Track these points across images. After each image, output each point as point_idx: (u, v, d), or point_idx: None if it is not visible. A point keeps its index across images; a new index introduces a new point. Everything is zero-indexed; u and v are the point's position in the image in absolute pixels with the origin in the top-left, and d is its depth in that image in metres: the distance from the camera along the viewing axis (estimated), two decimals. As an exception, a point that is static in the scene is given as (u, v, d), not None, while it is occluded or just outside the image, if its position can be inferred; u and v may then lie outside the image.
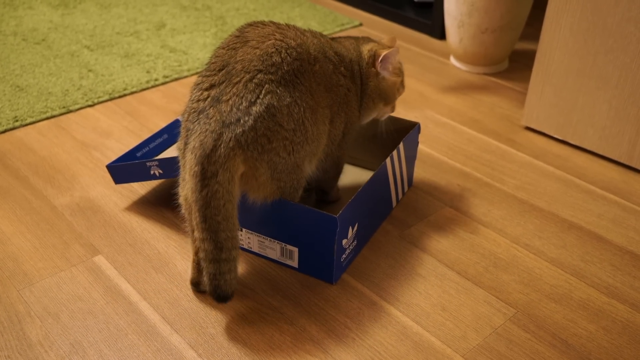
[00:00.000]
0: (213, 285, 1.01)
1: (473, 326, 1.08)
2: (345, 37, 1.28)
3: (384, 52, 1.22)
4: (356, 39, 1.28)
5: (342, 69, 1.18)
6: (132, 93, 1.76)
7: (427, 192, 1.41)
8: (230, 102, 1.01)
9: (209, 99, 1.03)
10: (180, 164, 1.07)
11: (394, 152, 1.25)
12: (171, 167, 1.22)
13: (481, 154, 1.55)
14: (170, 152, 1.40)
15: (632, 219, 1.34)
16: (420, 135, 1.59)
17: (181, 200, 1.08)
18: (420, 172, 1.47)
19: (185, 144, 1.03)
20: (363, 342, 1.04)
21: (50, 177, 1.41)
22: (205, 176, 0.98)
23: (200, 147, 0.99)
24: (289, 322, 1.07)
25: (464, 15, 1.84)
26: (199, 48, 2.01)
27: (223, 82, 1.03)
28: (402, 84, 1.29)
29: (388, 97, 1.26)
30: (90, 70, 1.85)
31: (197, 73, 1.87)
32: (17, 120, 1.59)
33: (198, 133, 1.00)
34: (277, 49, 1.06)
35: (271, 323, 1.07)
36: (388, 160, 1.24)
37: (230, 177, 0.99)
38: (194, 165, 0.99)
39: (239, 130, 1.00)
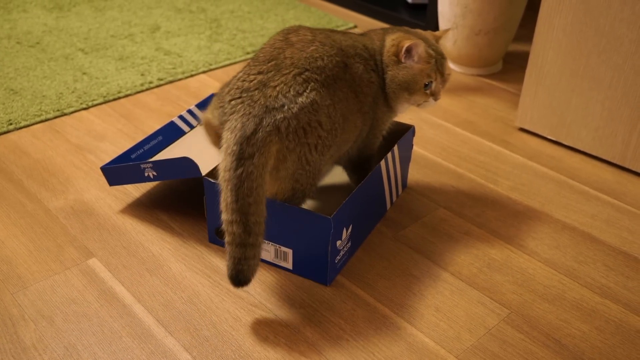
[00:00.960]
0: (236, 269, 1.02)
1: (467, 327, 1.08)
2: (376, 29, 1.28)
3: (407, 43, 1.17)
4: (385, 29, 1.27)
5: (372, 63, 1.20)
6: (126, 96, 1.76)
7: (421, 193, 1.41)
8: (277, 88, 1.05)
9: (255, 82, 1.06)
10: (219, 119, 1.10)
11: (389, 154, 1.26)
12: (165, 169, 1.22)
13: (475, 155, 1.55)
14: (165, 154, 1.40)
15: (626, 220, 1.35)
16: (414, 137, 1.59)
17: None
18: (415, 173, 1.47)
19: (225, 120, 1.06)
20: (357, 344, 1.04)
21: (45, 180, 1.41)
22: (243, 156, 1.00)
23: (241, 128, 1.02)
24: (283, 323, 1.07)
25: (458, 17, 1.85)
26: (194, 50, 2.02)
27: (271, 71, 1.07)
28: (437, 70, 1.20)
29: (410, 86, 1.19)
30: (84, 73, 1.85)
31: (191, 76, 1.88)
32: (11, 124, 1.59)
33: (241, 114, 1.03)
34: (320, 55, 1.10)
35: (265, 325, 1.07)
36: (382, 162, 1.24)
37: (265, 162, 1.02)
38: (233, 145, 1.01)
39: (280, 116, 1.03)
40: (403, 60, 1.18)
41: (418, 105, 1.24)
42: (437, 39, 1.26)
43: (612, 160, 1.52)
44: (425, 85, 1.20)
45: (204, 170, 1.20)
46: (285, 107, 1.03)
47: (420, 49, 1.17)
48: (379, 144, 1.29)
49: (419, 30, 1.27)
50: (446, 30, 1.30)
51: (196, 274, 1.17)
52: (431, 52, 1.19)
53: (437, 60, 1.20)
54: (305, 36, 1.14)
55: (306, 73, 1.07)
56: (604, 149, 1.52)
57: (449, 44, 1.93)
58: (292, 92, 1.05)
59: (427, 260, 1.22)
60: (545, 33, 1.51)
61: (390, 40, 1.20)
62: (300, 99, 1.05)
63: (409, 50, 1.17)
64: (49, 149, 1.51)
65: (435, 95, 1.22)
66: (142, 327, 1.06)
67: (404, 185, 1.42)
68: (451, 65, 1.99)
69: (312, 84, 1.07)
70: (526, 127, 1.64)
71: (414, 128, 1.36)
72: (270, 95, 1.04)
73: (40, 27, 2.14)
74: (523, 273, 1.20)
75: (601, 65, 1.45)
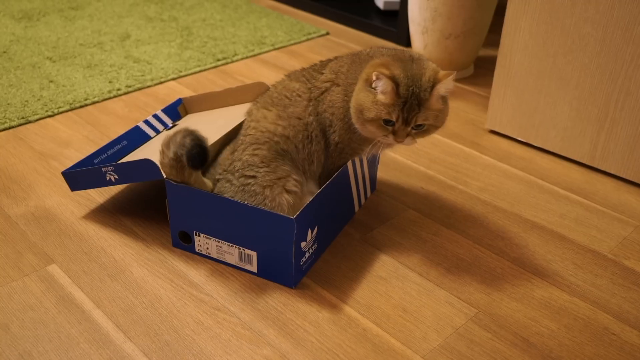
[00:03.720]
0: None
1: (434, 327, 1.07)
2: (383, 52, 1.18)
3: (382, 72, 1.07)
4: (393, 53, 1.16)
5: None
6: (93, 103, 1.74)
7: (390, 195, 1.40)
8: None
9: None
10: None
11: (354, 155, 1.24)
12: (126, 172, 1.19)
13: (445, 157, 1.55)
14: (129, 159, 1.37)
15: (595, 218, 1.34)
16: (384, 140, 1.58)
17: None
18: (384, 175, 1.46)
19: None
20: (322, 346, 1.02)
21: (6, 187, 1.37)
22: None
23: None
24: (246, 327, 1.05)
25: (428, 21, 1.85)
26: (164, 58, 2.00)
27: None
28: (400, 114, 1.08)
29: (364, 112, 1.10)
30: (51, 81, 1.82)
31: (160, 83, 1.86)
32: (-27, 131, 1.56)
33: None
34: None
35: (228, 328, 1.05)
36: (349, 163, 1.22)
37: None
38: None
39: None
40: (373, 85, 1.09)
41: (378, 139, 1.14)
42: (435, 81, 1.08)
43: (581, 160, 1.52)
44: (387, 122, 1.10)
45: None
46: None
47: (387, 83, 1.06)
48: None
49: (427, 64, 1.11)
50: (450, 73, 1.09)
51: (158, 279, 1.14)
52: (402, 91, 1.07)
53: (407, 104, 1.07)
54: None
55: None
56: (572, 149, 1.52)
57: (419, 47, 1.93)
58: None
59: (394, 262, 1.20)
60: (512, 34, 1.52)
61: (372, 64, 1.12)
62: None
63: (378, 78, 1.07)
64: (11, 156, 1.48)
65: (395, 136, 1.10)
66: (101, 333, 1.03)
67: (373, 187, 1.41)
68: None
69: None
70: (496, 129, 1.64)
71: (381, 129, 1.34)
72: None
73: (8, 36, 2.12)
74: (491, 272, 1.19)
75: (567, 65, 1.46)
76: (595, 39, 1.39)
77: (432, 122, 1.11)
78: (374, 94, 1.09)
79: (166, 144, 1.12)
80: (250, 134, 1.18)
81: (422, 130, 1.12)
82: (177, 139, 1.11)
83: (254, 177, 1.14)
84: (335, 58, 1.24)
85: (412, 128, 1.10)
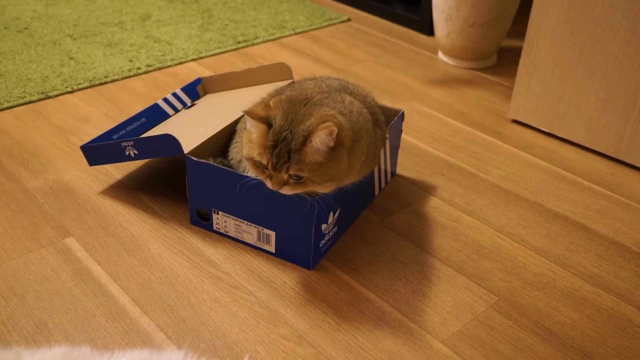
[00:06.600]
0: None
1: (453, 312, 1.05)
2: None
3: (260, 113, 1.00)
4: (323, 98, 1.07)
5: None
6: (113, 81, 1.73)
7: (410, 181, 1.38)
8: None
9: None
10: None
11: (376, 137, 1.22)
12: (146, 147, 1.18)
13: (466, 145, 1.52)
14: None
15: (619, 211, 1.32)
16: (405, 126, 1.56)
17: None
18: (405, 161, 1.44)
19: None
20: (340, 327, 1.01)
21: (25, 160, 1.37)
22: None
23: None
24: (264, 306, 1.04)
25: (452, 8, 1.82)
26: (184, 39, 1.98)
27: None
28: (269, 159, 0.97)
29: (244, 148, 1.03)
30: (71, 58, 1.81)
31: (180, 63, 1.84)
32: (-7, 105, 1.56)
33: None
34: None
35: (245, 307, 1.03)
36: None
37: None
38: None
39: None
40: (249, 125, 1.01)
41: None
42: (311, 131, 0.96)
43: (606, 153, 1.49)
44: (260, 164, 1.00)
45: (186, 149, 1.16)
46: None
47: (257, 125, 0.98)
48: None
49: (320, 110, 0.99)
50: (329, 126, 0.94)
51: (175, 255, 1.13)
52: (271, 136, 0.97)
53: (276, 149, 0.96)
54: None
55: None
56: (597, 141, 1.49)
57: (443, 35, 1.90)
58: None
59: (414, 247, 1.19)
60: (540, 22, 1.49)
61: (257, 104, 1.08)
62: None
63: (252, 118, 0.98)
64: (30, 130, 1.48)
65: (271, 181, 0.99)
66: (117, 306, 1.02)
67: (393, 172, 1.39)
68: (445, 58, 1.96)
69: None
70: (519, 118, 1.61)
71: (402, 112, 1.33)
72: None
73: (30, 13, 2.11)
74: (513, 261, 1.17)
75: (596, 55, 1.43)
76: (626, 27, 1.36)
77: (307, 175, 0.97)
78: (251, 133, 1.00)
79: None
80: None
81: (301, 182, 0.98)
82: None
83: None
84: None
85: (290, 177, 0.98)
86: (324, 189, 1.02)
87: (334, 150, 0.98)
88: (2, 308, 1.00)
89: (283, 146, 0.96)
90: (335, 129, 0.95)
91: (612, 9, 1.36)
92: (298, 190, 1.00)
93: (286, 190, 0.99)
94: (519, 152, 1.51)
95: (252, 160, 1.01)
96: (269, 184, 1.00)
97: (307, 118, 0.98)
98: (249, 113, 0.98)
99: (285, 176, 0.98)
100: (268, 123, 0.98)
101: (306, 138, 0.96)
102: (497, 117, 1.66)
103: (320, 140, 0.95)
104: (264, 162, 0.98)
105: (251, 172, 1.06)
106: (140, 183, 1.31)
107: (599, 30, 1.40)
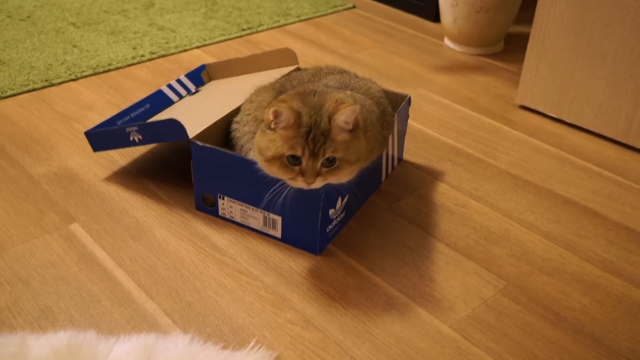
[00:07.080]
0: None
1: (462, 297, 1.04)
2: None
3: (275, 107, 0.97)
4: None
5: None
6: (117, 68, 1.71)
7: (417, 166, 1.36)
8: None
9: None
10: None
11: (383, 122, 1.21)
12: (151, 132, 1.17)
13: (474, 131, 1.51)
14: (153, 123, 1.35)
15: (629, 196, 1.30)
16: (411, 112, 1.55)
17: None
18: (411, 147, 1.43)
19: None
20: (347, 312, 1.00)
21: (29, 147, 1.36)
22: None
23: None
24: (270, 290, 1.03)
25: (459, -7, 1.80)
26: (188, 26, 1.97)
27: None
28: (305, 145, 0.95)
29: (263, 151, 0.99)
30: (74, 46, 1.80)
31: (184, 50, 1.83)
32: (-3, 92, 1.55)
33: None
34: None
35: (251, 291, 1.02)
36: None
37: None
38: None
39: None
40: (272, 126, 0.98)
41: (284, 182, 1.00)
42: (333, 111, 0.97)
43: (615, 138, 1.47)
44: (294, 158, 0.97)
45: (191, 134, 1.15)
46: None
47: (288, 114, 0.96)
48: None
49: (330, 96, 1.00)
50: (350, 104, 0.97)
51: (181, 241, 1.12)
52: (305, 120, 0.96)
53: (311, 134, 0.95)
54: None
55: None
56: (607, 126, 1.47)
57: (449, 21, 1.88)
58: None
59: (421, 232, 1.17)
60: (548, 5, 1.47)
61: (270, 104, 1.02)
62: None
63: (278, 113, 0.96)
64: (34, 118, 1.47)
65: (305, 176, 0.96)
66: (122, 291, 1.01)
67: (400, 158, 1.37)
68: (451, 44, 1.94)
69: None
70: (527, 104, 1.60)
71: (409, 97, 1.31)
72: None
73: (32, 1, 2.10)
74: (521, 246, 1.15)
75: (605, 39, 1.41)
76: (636, 10, 1.34)
77: (342, 154, 0.97)
78: (274, 132, 0.98)
79: None
80: None
81: (334, 167, 0.97)
82: None
83: None
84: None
85: (322, 165, 0.97)
86: (352, 172, 1.01)
87: (353, 131, 0.99)
88: (8, 294, 0.99)
89: (316, 130, 0.96)
90: (357, 106, 0.96)
91: (622, -8, 1.34)
92: (330, 179, 0.98)
93: (318, 182, 0.97)
94: (527, 138, 1.49)
95: (279, 159, 0.97)
96: (299, 180, 0.97)
97: (323, 103, 0.98)
98: (280, 107, 0.95)
99: (318, 165, 0.96)
100: (297, 112, 0.97)
101: (330, 120, 0.96)
102: (505, 103, 1.64)
103: (344, 118, 0.96)
104: (298, 152, 0.95)
105: (275, 172, 1.00)
106: (145, 169, 1.30)
107: (609, 13, 1.38)
